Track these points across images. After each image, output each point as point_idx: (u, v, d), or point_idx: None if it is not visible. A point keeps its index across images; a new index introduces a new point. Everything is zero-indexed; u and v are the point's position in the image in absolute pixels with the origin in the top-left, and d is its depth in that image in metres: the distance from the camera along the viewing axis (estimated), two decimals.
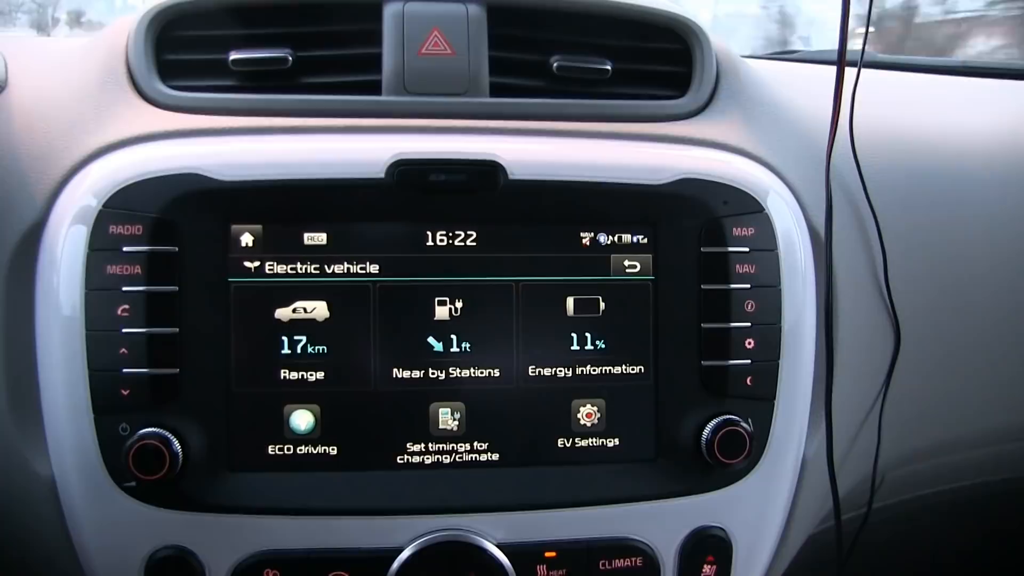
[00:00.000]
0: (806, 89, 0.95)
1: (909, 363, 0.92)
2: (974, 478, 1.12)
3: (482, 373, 0.79)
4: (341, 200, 0.77)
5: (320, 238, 0.77)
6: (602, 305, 0.80)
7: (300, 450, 0.77)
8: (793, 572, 0.92)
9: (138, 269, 0.74)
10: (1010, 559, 1.42)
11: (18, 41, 0.96)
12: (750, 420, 0.80)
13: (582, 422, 0.80)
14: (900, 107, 1.05)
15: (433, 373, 0.78)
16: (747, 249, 0.80)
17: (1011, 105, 1.14)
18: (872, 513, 0.97)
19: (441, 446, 0.79)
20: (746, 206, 0.81)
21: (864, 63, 0.92)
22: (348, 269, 0.77)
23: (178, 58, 0.83)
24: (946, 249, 0.95)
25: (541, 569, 0.79)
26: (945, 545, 1.34)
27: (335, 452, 0.78)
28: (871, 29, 0.98)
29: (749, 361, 0.80)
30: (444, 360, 0.78)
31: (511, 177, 0.77)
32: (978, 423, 1.01)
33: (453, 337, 0.78)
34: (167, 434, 0.73)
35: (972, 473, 1.11)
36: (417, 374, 0.78)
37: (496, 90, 0.84)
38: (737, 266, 0.80)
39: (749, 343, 0.80)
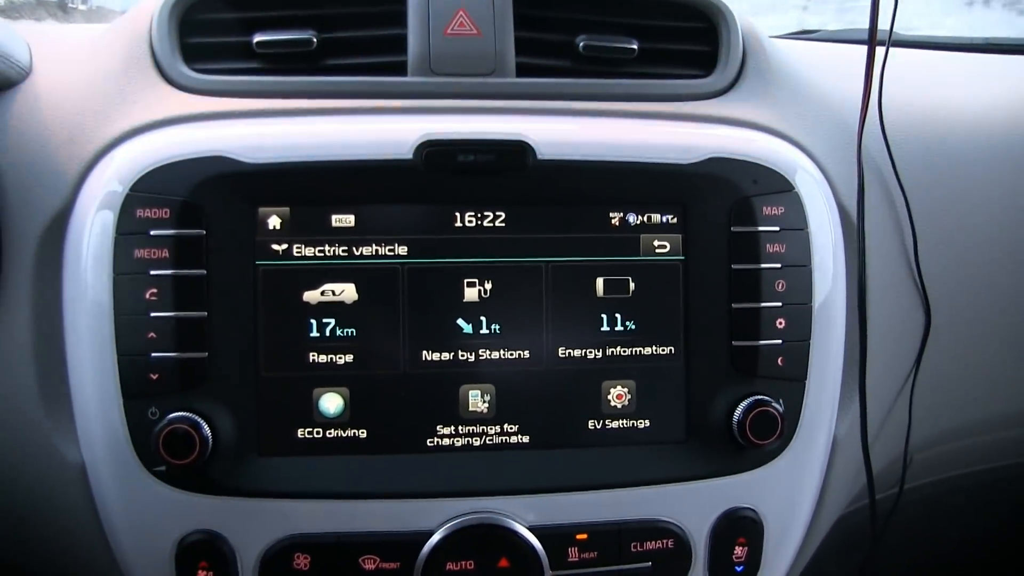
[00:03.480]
0: (832, 68, 0.95)
1: (940, 343, 0.91)
2: (1005, 459, 1.11)
3: (512, 355, 0.78)
4: (368, 182, 0.77)
5: (348, 220, 0.77)
6: (632, 286, 0.79)
7: (329, 434, 0.77)
8: (823, 553, 0.92)
9: (166, 253, 0.74)
10: None
11: (41, 28, 0.95)
12: (781, 401, 0.79)
13: (612, 403, 0.80)
14: (928, 86, 1.04)
15: (462, 355, 0.78)
16: (777, 228, 0.80)
17: None
18: (903, 494, 0.96)
19: (471, 428, 0.78)
20: (776, 185, 0.80)
21: (891, 41, 0.91)
22: (376, 251, 0.77)
23: (202, 41, 0.83)
24: (976, 228, 0.94)
25: (572, 551, 0.79)
26: (973, 526, 1.34)
27: (364, 435, 0.78)
28: None
29: (780, 341, 0.80)
30: (473, 342, 0.78)
31: (539, 157, 0.77)
32: (1010, 403, 1.00)
33: (482, 319, 0.78)
34: (197, 418, 0.73)
35: (1003, 454, 1.10)
36: (446, 356, 0.78)
37: (522, 70, 0.83)
38: (767, 245, 0.79)
39: (780, 323, 0.80)
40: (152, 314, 0.74)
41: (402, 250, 0.77)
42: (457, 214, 0.78)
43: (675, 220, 0.80)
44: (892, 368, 0.90)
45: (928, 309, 0.90)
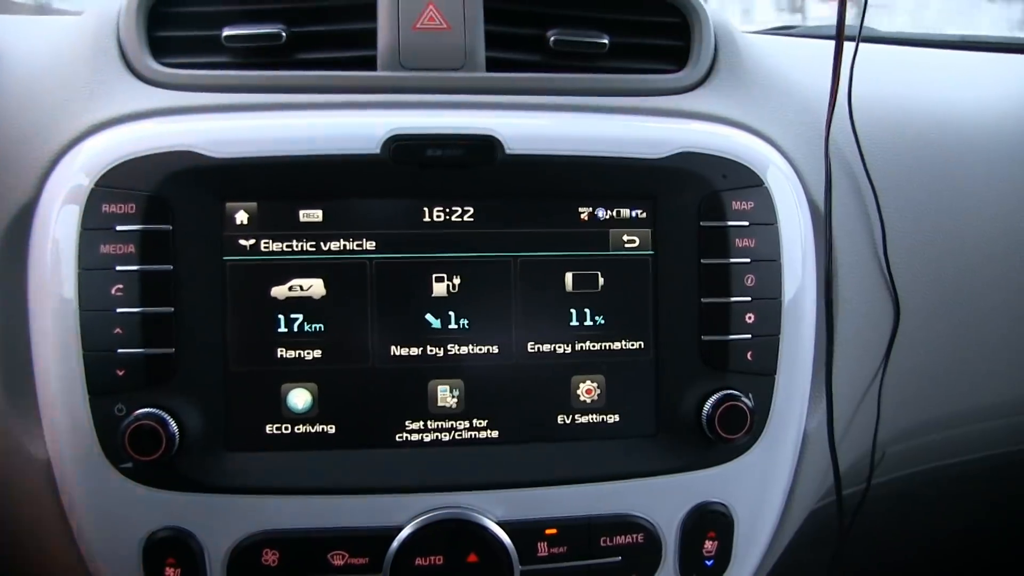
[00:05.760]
0: (805, 64, 0.95)
1: (909, 338, 0.92)
2: (974, 452, 1.12)
3: (481, 350, 0.78)
4: (336, 177, 0.76)
5: (316, 215, 0.77)
6: (601, 280, 0.79)
7: (298, 429, 0.77)
8: (794, 548, 0.92)
9: (132, 248, 0.74)
10: (1009, 533, 1.43)
11: (6, 18, 0.95)
12: (751, 395, 0.79)
13: (582, 398, 0.80)
14: (899, 81, 1.04)
15: (431, 350, 0.78)
16: (747, 223, 0.80)
17: (1009, 79, 1.13)
18: (872, 488, 0.96)
19: (440, 423, 0.78)
20: (745, 180, 0.80)
21: (862, 37, 0.91)
22: (344, 246, 0.77)
23: (170, 35, 0.82)
24: (946, 223, 0.95)
25: (542, 546, 0.79)
26: (944, 519, 1.35)
27: (333, 431, 0.77)
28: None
29: (749, 336, 0.80)
30: (442, 337, 0.78)
31: (508, 152, 0.77)
32: (978, 398, 1.01)
33: (451, 314, 0.78)
34: (163, 414, 0.73)
35: (972, 447, 1.11)
36: (415, 351, 0.78)
37: (492, 65, 0.83)
38: (737, 240, 0.80)
39: (749, 317, 0.80)
40: (118, 310, 0.74)
41: (370, 245, 0.77)
42: (425, 209, 0.77)
43: (644, 215, 0.80)
44: (861, 363, 0.90)
45: (897, 304, 0.90)
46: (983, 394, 1.01)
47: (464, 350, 0.78)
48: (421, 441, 0.78)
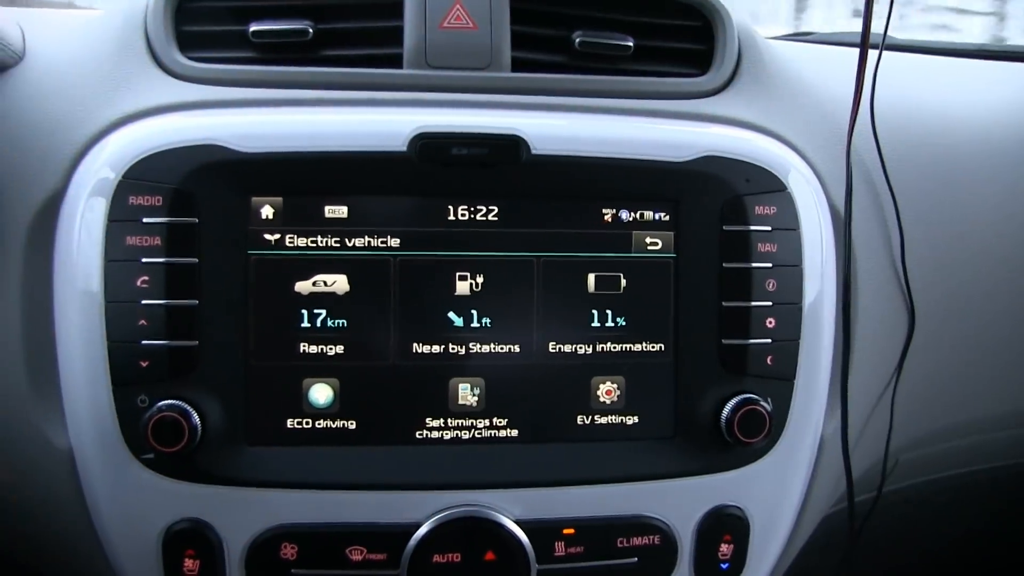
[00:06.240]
0: (827, 70, 0.95)
1: (924, 345, 0.92)
2: (986, 462, 1.12)
3: (502, 349, 0.79)
4: (362, 173, 0.77)
5: (341, 211, 0.77)
6: (623, 282, 0.80)
7: (319, 424, 0.77)
8: (808, 551, 0.92)
9: (158, 240, 0.74)
10: (1015, 543, 1.43)
11: (35, 12, 0.95)
12: (769, 399, 0.80)
13: (601, 399, 0.80)
14: (920, 90, 1.04)
15: (453, 348, 0.78)
16: (769, 228, 0.80)
17: None
18: (884, 495, 0.97)
19: (460, 422, 0.78)
20: (768, 184, 0.81)
21: (884, 45, 0.92)
22: (368, 243, 0.77)
23: (197, 29, 0.83)
24: (963, 232, 0.95)
25: (559, 546, 0.79)
26: (955, 528, 1.35)
27: (354, 427, 0.78)
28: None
29: (769, 340, 0.80)
30: (464, 335, 0.78)
31: (533, 152, 0.77)
32: (991, 407, 1.01)
33: (473, 312, 0.78)
34: (186, 406, 0.73)
35: (984, 457, 1.11)
36: (437, 349, 0.78)
37: (517, 65, 0.83)
38: (759, 244, 0.80)
39: (770, 322, 0.80)
40: (143, 301, 0.74)
41: (394, 242, 0.77)
42: (450, 207, 0.78)
43: (667, 217, 0.80)
44: (877, 369, 0.90)
45: (912, 311, 0.90)
46: (995, 403, 1.01)
47: (486, 349, 0.78)
48: (441, 439, 0.78)
